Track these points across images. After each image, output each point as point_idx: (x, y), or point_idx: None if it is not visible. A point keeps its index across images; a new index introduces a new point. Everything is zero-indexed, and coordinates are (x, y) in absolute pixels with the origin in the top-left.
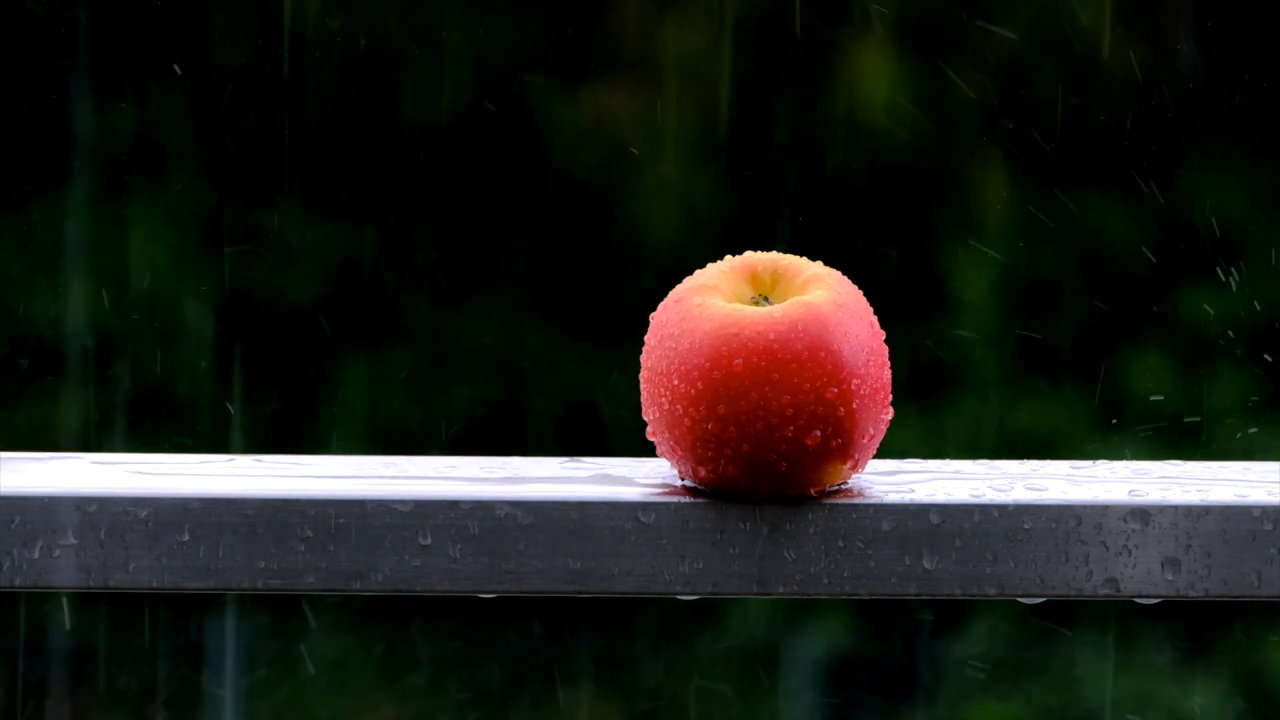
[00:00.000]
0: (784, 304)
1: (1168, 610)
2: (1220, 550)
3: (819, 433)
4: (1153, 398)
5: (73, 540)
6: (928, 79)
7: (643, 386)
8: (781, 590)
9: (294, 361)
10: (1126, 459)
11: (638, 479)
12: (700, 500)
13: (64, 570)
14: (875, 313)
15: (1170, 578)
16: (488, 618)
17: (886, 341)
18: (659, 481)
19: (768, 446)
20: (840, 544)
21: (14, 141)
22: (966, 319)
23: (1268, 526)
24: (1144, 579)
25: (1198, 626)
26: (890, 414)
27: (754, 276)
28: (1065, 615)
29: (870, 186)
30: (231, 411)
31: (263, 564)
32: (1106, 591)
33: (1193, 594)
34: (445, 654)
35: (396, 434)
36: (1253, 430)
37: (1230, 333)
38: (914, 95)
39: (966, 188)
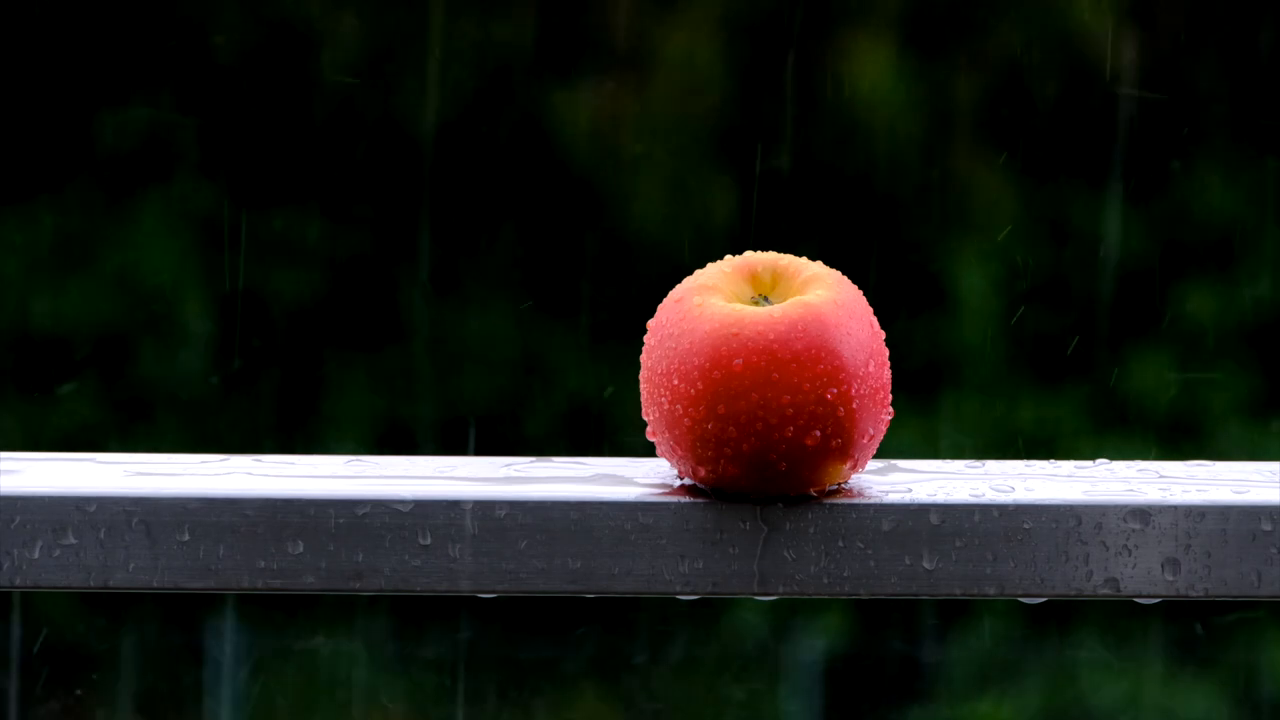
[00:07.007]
0: (784, 304)
1: (1167, 610)
2: (1220, 550)
3: (819, 433)
4: (1153, 397)
5: (73, 540)
6: (928, 78)
7: (642, 386)
8: (781, 590)
9: (294, 361)
10: (1126, 459)
11: (638, 479)
12: (700, 500)
13: (64, 570)
14: (875, 313)
15: (1170, 578)
16: (488, 617)
17: (886, 342)
18: (659, 481)
19: (768, 446)
20: (840, 544)
21: (15, 141)
22: (966, 319)
23: (1268, 526)
24: (1144, 579)
25: (1195, 627)
26: (890, 414)
27: (754, 276)
28: (1065, 615)
29: (870, 185)
30: (232, 411)
31: (263, 564)
32: (1106, 591)
33: (1193, 594)
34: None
35: (396, 434)
36: (1253, 430)
37: (1230, 332)
38: (914, 94)
39: (966, 187)
